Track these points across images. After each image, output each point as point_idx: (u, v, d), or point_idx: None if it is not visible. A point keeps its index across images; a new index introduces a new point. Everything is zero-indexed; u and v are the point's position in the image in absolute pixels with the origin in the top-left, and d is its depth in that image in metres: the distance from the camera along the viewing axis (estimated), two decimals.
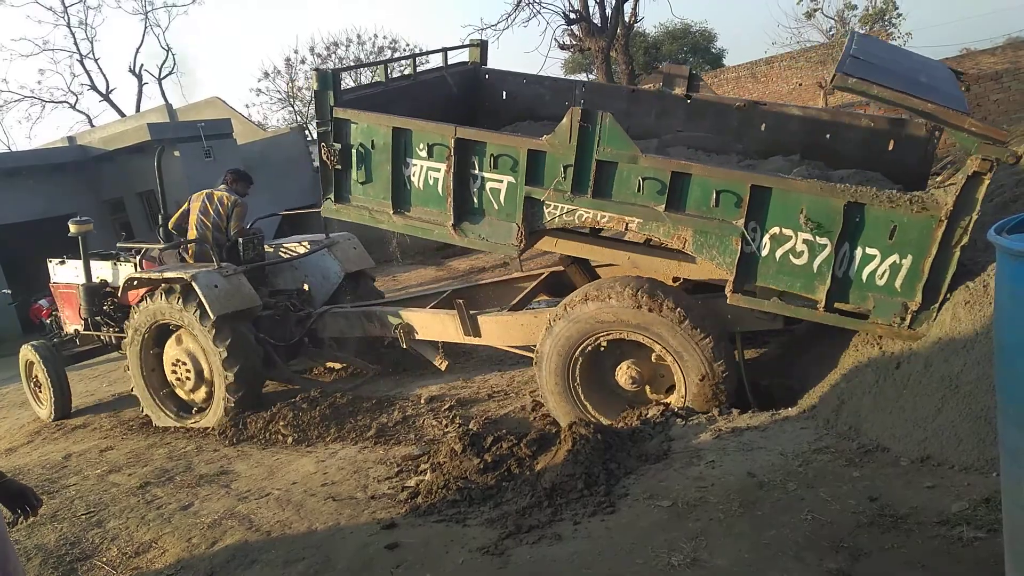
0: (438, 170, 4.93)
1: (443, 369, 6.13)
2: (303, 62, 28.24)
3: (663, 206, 4.30)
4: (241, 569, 3.74)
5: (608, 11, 19.24)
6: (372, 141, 5.13)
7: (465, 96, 6.62)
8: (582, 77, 30.74)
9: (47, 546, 4.42)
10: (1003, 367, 2.04)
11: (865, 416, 3.84)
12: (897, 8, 24.60)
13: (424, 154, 4.96)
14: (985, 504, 2.93)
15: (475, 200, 4.88)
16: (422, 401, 6.06)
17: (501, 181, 4.76)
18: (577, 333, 4.72)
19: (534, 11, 19.95)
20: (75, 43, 29.84)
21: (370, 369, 7.05)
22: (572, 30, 19.82)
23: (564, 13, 19.37)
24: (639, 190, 4.35)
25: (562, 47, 20.67)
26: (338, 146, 5.23)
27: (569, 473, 3.86)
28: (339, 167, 5.29)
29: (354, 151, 5.21)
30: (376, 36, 28.61)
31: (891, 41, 24.10)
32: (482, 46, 6.86)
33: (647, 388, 4.88)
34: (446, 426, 5.39)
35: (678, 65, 6.55)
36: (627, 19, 19.54)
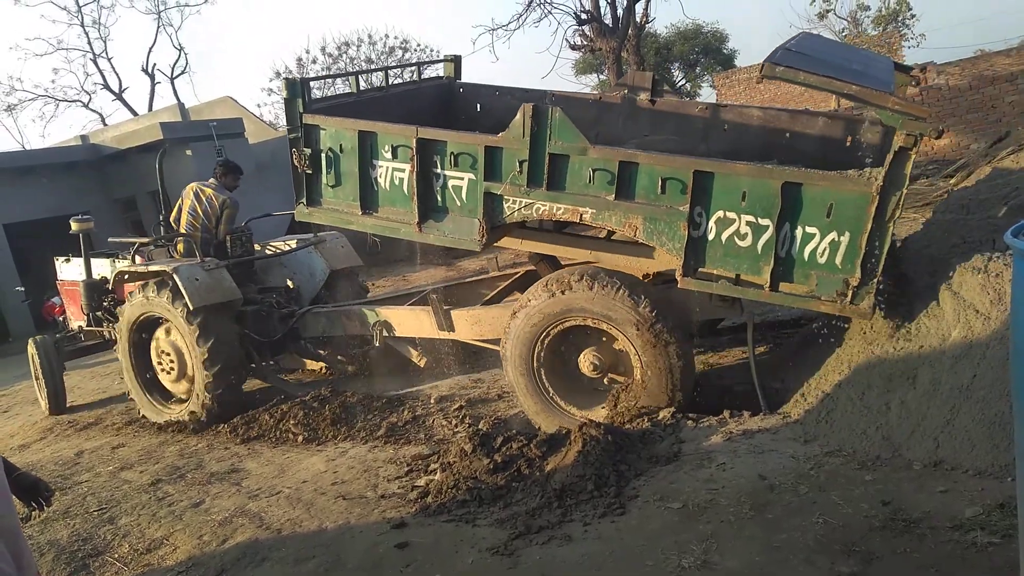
0: (403, 170, 5.11)
1: (422, 366, 6.29)
2: (314, 62, 28.32)
3: (613, 195, 4.44)
4: (251, 567, 3.76)
5: (619, 12, 19.23)
6: (340, 145, 5.33)
7: (440, 109, 6.78)
8: (593, 78, 30.74)
9: (60, 542, 4.45)
10: (1019, 370, 2.03)
11: (870, 422, 3.82)
12: (911, 9, 24.46)
13: (389, 155, 5.14)
14: (1000, 509, 2.91)
15: (439, 198, 5.05)
16: (432, 401, 6.07)
17: (462, 178, 4.92)
18: (539, 320, 4.86)
19: (545, 11, 19.97)
20: (88, 42, 30.02)
21: (340, 369, 7.18)
22: (583, 31, 19.82)
23: (575, 14, 19.39)
24: (590, 181, 4.50)
25: (573, 48, 20.67)
26: (308, 151, 5.43)
27: (579, 474, 3.86)
28: (310, 171, 5.50)
29: (323, 155, 5.42)
30: (387, 36, 28.65)
31: (904, 42, 24.00)
32: (456, 61, 7.06)
33: (609, 375, 4.97)
34: (456, 426, 5.40)
35: (642, 72, 6.70)
36: (638, 20, 19.51)
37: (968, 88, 14.35)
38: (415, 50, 28.23)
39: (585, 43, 20.24)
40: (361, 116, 5.52)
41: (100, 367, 9.83)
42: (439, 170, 4.98)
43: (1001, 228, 4.15)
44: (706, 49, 30.62)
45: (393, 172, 5.17)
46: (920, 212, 9.33)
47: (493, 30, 20.42)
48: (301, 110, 5.37)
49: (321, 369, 7.70)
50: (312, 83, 5.73)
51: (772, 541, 3.05)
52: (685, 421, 4.46)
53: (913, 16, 25.36)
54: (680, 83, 31.03)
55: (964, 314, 3.72)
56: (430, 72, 6.79)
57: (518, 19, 19.89)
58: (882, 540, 2.92)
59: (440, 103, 6.81)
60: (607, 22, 19.32)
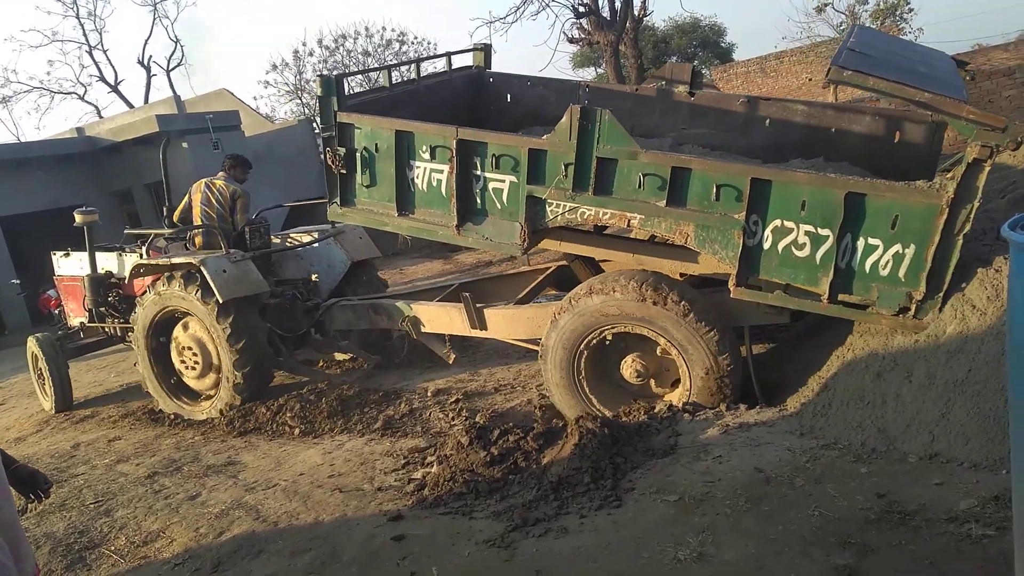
0: (441, 172, 4.99)
1: (450, 362, 6.15)
2: (311, 54, 28.23)
3: (664, 201, 4.31)
4: (248, 559, 3.76)
5: (617, 5, 19.17)
6: (376, 144, 5.21)
7: (470, 100, 6.67)
8: (591, 71, 30.68)
9: (56, 534, 4.44)
10: (1015, 364, 2.03)
11: (866, 415, 3.83)
12: (909, 3, 24.45)
13: (427, 156, 5.01)
14: (994, 501, 2.92)
15: (478, 200, 4.92)
16: (429, 394, 6.07)
17: (503, 181, 4.79)
18: (582, 326, 4.72)
19: (543, 4, 19.92)
20: (84, 34, 29.98)
21: (371, 360, 7.05)
22: (581, 24, 19.76)
23: (573, 6, 19.31)
24: (640, 186, 4.36)
25: (571, 41, 20.61)
26: (343, 150, 5.31)
27: (576, 467, 3.86)
28: (344, 171, 5.37)
29: (358, 155, 5.30)
30: (384, 29, 28.58)
31: (902, 36, 23.98)
32: (486, 49, 6.90)
33: (652, 382, 4.87)
34: (453, 419, 5.40)
35: (681, 64, 6.66)
36: (636, 13, 19.46)
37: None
38: (412, 43, 28.17)
39: (583, 36, 20.18)
40: (394, 110, 5.44)
41: (96, 360, 9.81)
42: (479, 172, 4.86)
43: (998, 222, 4.16)
44: (704, 43, 30.58)
45: (431, 173, 5.04)
46: None
47: (491, 23, 20.42)
48: (336, 108, 5.26)
49: (344, 360, 7.57)
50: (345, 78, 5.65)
51: (768, 533, 3.05)
52: (682, 414, 4.46)
53: (911, 10, 25.39)
54: None
55: (960, 309, 3.72)
56: (459, 61, 6.63)
57: (516, 12, 19.84)
58: (877, 532, 2.93)
59: (470, 94, 6.68)
60: (605, 15, 19.27)
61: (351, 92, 5.88)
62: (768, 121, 5.68)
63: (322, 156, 5.42)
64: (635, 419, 4.55)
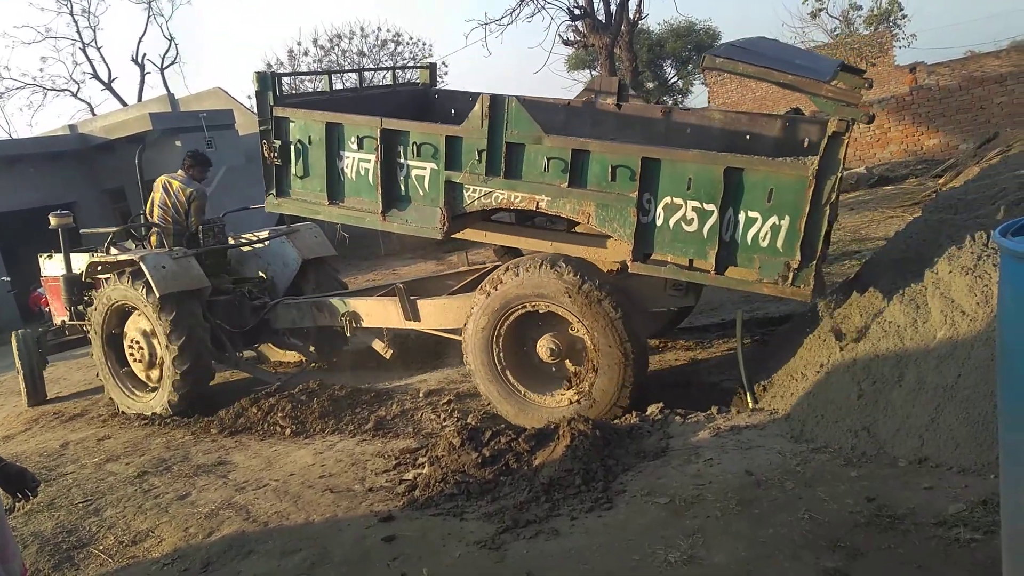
0: (368, 161, 5.29)
1: (388, 358, 6.39)
2: (306, 54, 28.12)
3: (567, 183, 4.57)
4: (238, 559, 3.74)
5: (612, 7, 19.21)
6: (308, 137, 5.51)
7: (414, 114, 6.85)
8: (585, 73, 30.69)
9: (44, 534, 4.42)
10: (1005, 369, 2.04)
11: (856, 419, 3.84)
12: (903, 9, 24.54)
13: (355, 146, 5.32)
14: (983, 506, 2.93)
15: (402, 187, 5.22)
16: (421, 395, 6.07)
17: (424, 168, 5.09)
18: (498, 306, 4.93)
19: (538, 6, 19.93)
20: (77, 31, 29.76)
21: (310, 357, 7.26)
22: (576, 26, 19.81)
23: (568, 9, 19.35)
24: (545, 169, 4.65)
25: (566, 43, 20.67)
26: (278, 143, 5.59)
27: (567, 469, 3.87)
28: (279, 163, 5.66)
29: (292, 147, 5.60)
30: (379, 29, 28.49)
31: (895, 42, 24.09)
32: (431, 68, 7.29)
33: (566, 361, 5.02)
34: (444, 420, 5.40)
35: (608, 77, 6.93)
36: (631, 16, 19.51)
37: (958, 89, 14.44)
38: (407, 43, 28.12)
39: (578, 39, 20.23)
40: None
41: (86, 358, 9.73)
42: (403, 160, 5.14)
43: (989, 228, 4.18)
44: (699, 46, 30.57)
45: (359, 163, 5.33)
46: (909, 211, 9.40)
47: (486, 24, 20.38)
48: (272, 103, 5.52)
49: (300, 360, 7.71)
50: (286, 81, 5.91)
51: (758, 536, 3.06)
52: (673, 416, 4.47)
53: (904, 16, 25.41)
54: (672, 80, 31.04)
55: (950, 314, 3.74)
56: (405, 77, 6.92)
57: (511, 14, 19.86)
58: (867, 536, 2.94)
59: (416, 108, 6.94)
60: (600, 18, 19.31)
61: (300, 91, 6.12)
62: (688, 129, 5.92)
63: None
64: (626, 422, 4.55)
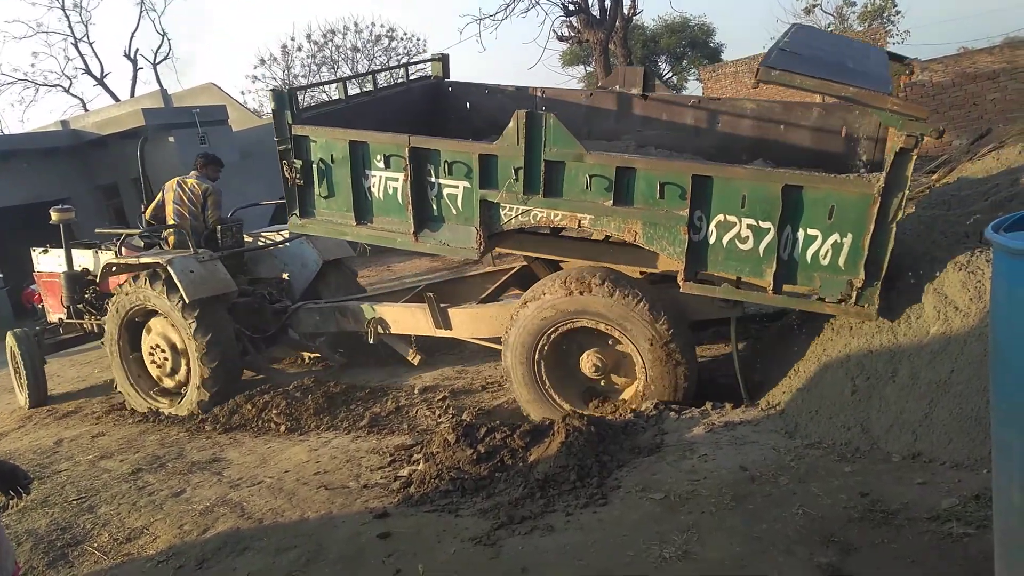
0: (396, 180, 5.04)
1: (415, 363, 6.22)
2: (299, 49, 28.15)
3: (611, 201, 4.40)
4: (233, 556, 3.74)
5: (607, 3, 19.19)
6: (331, 155, 5.26)
7: (429, 109, 6.74)
8: (580, 69, 30.70)
9: (38, 531, 4.40)
10: (997, 365, 2.05)
11: (850, 415, 3.86)
12: (896, 5, 24.61)
13: (382, 165, 5.07)
14: (975, 500, 2.95)
15: (434, 207, 4.99)
16: (416, 391, 6.06)
17: (457, 187, 4.86)
18: (541, 321, 4.80)
19: (532, 2, 19.91)
20: (69, 26, 29.67)
21: (337, 361, 7.10)
22: (571, 22, 19.79)
23: (563, 4, 19.33)
24: (587, 187, 4.45)
25: (560, 39, 20.63)
26: (299, 163, 5.36)
27: (562, 465, 3.87)
28: (301, 183, 5.41)
29: (315, 167, 5.35)
30: (373, 24, 28.48)
31: (889, 38, 24.15)
32: (444, 59, 6.98)
33: (611, 376, 4.95)
34: (439, 416, 5.40)
35: (633, 68, 6.72)
36: (626, 12, 19.50)
37: (951, 85, 14.47)
38: (401, 39, 28.12)
39: (572, 34, 20.20)
40: (351, 122, 5.45)
41: (80, 355, 9.73)
42: (433, 178, 4.91)
43: (982, 224, 4.20)
44: (693, 42, 30.65)
45: (387, 182, 5.09)
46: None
47: (480, 20, 20.36)
48: (290, 121, 5.29)
49: (307, 359, 7.61)
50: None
51: (752, 532, 3.08)
52: (668, 412, 4.48)
53: (898, 12, 25.56)
54: (667, 76, 31.05)
55: (944, 310, 3.76)
56: (419, 71, 6.78)
57: (505, 9, 19.84)
58: (860, 531, 2.95)
59: (429, 103, 6.75)
60: (595, 13, 19.29)
61: (310, 104, 5.90)
62: (719, 120, 5.79)
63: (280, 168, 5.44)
64: (621, 418, 4.56)
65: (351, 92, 6.28)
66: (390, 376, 6.67)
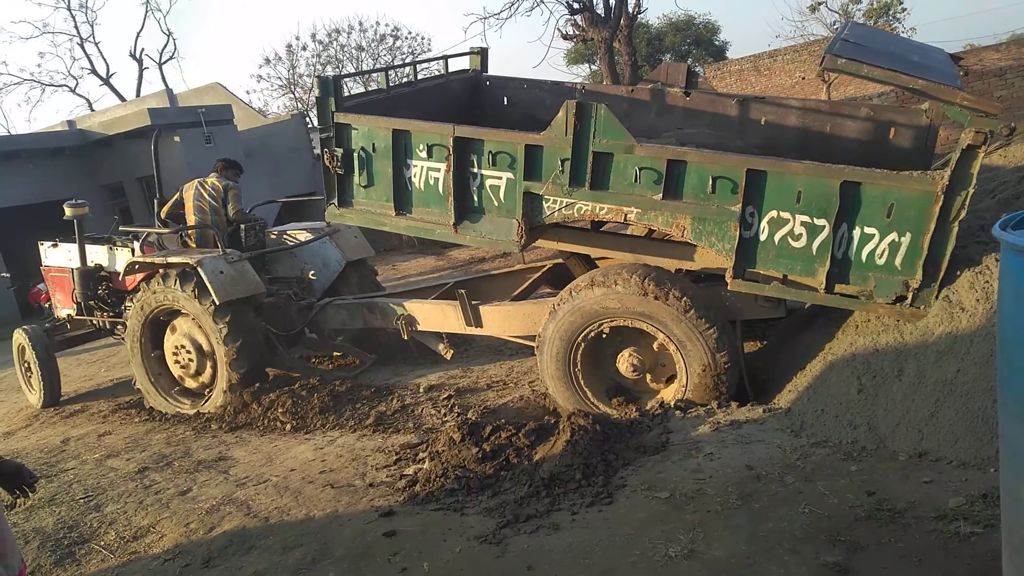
0: (438, 170, 4.98)
1: (448, 358, 6.17)
2: (304, 48, 28.19)
3: (660, 195, 4.31)
4: (239, 555, 3.75)
5: (612, 1, 19.15)
6: (373, 144, 5.20)
7: (467, 102, 6.69)
8: (584, 68, 30.67)
9: (45, 529, 4.42)
10: (1005, 362, 2.04)
11: (856, 413, 3.85)
12: (902, 3, 24.52)
13: (424, 155, 5.00)
14: (983, 500, 2.94)
15: (475, 198, 4.93)
16: (421, 390, 6.07)
17: (500, 178, 4.79)
18: (581, 319, 4.72)
19: (537, 0, 19.87)
20: (75, 26, 29.71)
21: (368, 359, 7.05)
22: (575, 20, 19.74)
23: (567, 3, 19.28)
24: (636, 180, 4.37)
25: (565, 37, 20.59)
26: (340, 151, 5.29)
27: (567, 463, 3.87)
28: (341, 171, 5.35)
29: (356, 155, 5.28)
30: (378, 24, 28.52)
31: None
32: (483, 53, 6.93)
33: (648, 376, 4.88)
34: (445, 415, 5.40)
35: (676, 64, 6.63)
36: (630, 10, 19.45)
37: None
38: (406, 38, 28.11)
39: (577, 32, 20.16)
40: (391, 113, 5.41)
41: (87, 354, 9.77)
42: (476, 169, 4.86)
43: (989, 222, 4.18)
44: (698, 40, 30.62)
45: (428, 172, 5.04)
46: None
47: (485, 19, 20.40)
48: (333, 109, 5.25)
49: (338, 358, 7.52)
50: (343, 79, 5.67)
51: (758, 530, 3.07)
52: (673, 411, 4.47)
53: (904, 10, 25.44)
54: None
55: (950, 310, 3.74)
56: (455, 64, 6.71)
57: (510, 7, 19.81)
58: (867, 530, 2.94)
59: (467, 96, 6.72)
60: (599, 11, 19.25)
61: (349, 93, 5.87)
62: (763, 120, 5.70)
63: (318, 154, 5.39)
64: (627, 416, 4.56)
65: (389, 85, 6.24)
66: (395, 375, 6.68)
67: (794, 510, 3.16)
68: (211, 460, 5.21)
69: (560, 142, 4.49)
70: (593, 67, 29.72)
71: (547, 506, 3.60)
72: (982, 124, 3.52)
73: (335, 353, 7.45)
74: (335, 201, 5.48)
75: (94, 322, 7.57)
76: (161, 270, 6.41)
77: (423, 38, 28.54)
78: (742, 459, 3.72)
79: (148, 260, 6.63)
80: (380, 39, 28.26)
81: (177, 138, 15.82)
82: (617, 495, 3.60)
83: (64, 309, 7.88)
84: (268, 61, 29.95)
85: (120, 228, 7.66)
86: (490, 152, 4.76)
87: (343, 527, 3.82)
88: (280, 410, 5.87)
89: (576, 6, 19.20)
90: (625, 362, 4.82)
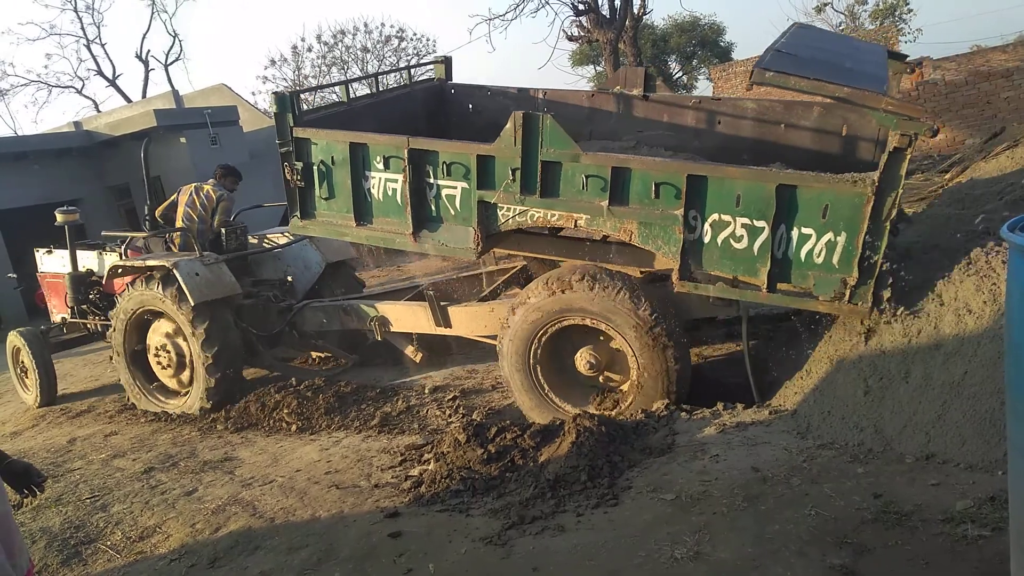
0: (396, 181, 5.11)
1: (417, 361, 6.29)
2: (310, 50, 28.16)
3: (607, 201, 4.43)
4: (245, 555, 3.76)
5: (617, 3, 19.15)
6: (332, 157, 5.34)
7: (431, 111, 6.80)
8: (590, 69, 30.66)
9: (52, 529, 4.43)
10: (1013, 364, 2.03)
11: (863, 416, 3.83)
12: (908, 3, 24.45)
13: (381, 166, 5.14)
14: (990, 502, 2.92)
15: (432, 208, 5.06)
16: (426, 391, 6.08)
17: (455, 187, 4.92)
18: (537, 319, 4.85)
19: (542, 1, 19.89)
20: (82, 28, 29.81)
21: (348, 359, 7.19)
22: (580, 21, 19.75)
23: (573, 4, 19.30)
24: (584, 187, 4.50)
25: (570, 38, 20.59)
26: (300, 165, 5.43)
27: (573, 465, 3.87)
28: (302, 184, 5.49)
29: (315, 168, 5.43)
30: (383, 25, 28.55)
31: (900, 37, 23.99)
32: (446, 62, 7.07)
33: (605, 373, 5.00)
34: (450, 416, 5.40)
35: (635, 68, 6.74)
36: (636, 11, 19.45)
37: (964, 83, 14.36)
38: (411, 39, 28.12)
39: (582, 34, 20.16)
40: (354, 125, 5.52)
41: (93, 355, 9.79)
42: (432, 180, 4.98)
43: (996, 224, 4.16)
44: (703, 41, 30.55)
45: (386, 183, 5.17)
46: (915, 206, 9.35)
47: (490, 20, 20.36)
48: (291, 124, 5.37)
49: (316, 359, 7.68)
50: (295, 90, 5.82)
51: (764, 532, 3.06)
52: (679, 413, 4.47)
53: (910, 11, 25.40)
54: (677, 75, 30.97)
55: (957, 311, 3.73)
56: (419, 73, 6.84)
57: (515, 9, 19.82)
58: (874, 532, 2.93)
59: (432, 105, 6.85)
60: (604, 13, 19.25)
61: (316, 107, 5.97)
62: (719, 120, 5.81)
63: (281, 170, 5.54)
64: (632, 418, 4.55)
65: (357, 94, 6.35)
66: (400, 376, 6.69)
67: (800, 512, 3.16)
68: (217, 461, 5.22)
69: (510, 152, 4.61)
70: (598, 68, 29.71)
71: (552, 507, 3.60)
72: (907, 127, 3.65)
73: (318, 354, 7.61)
74: (298, 213, 5.62)
75: (87, 326, 7.68)
76: (141, 274, 6.58)
77: (428, 39, 28.52)
78: (748, 461, 3.71)
79: (128, 263, 6.80)
80: (385, 40, 28.29)
81: (183, 139, 15.86)
82: (623, 497, 3.59)
83: (59, 313, 8.08)
84: (274, 63, 29.90)
85: (103, 233, 7.85)
86: (444, 163, 4.88)
87: (348, 528, 3.82)
88: (286, 411, 5.88)
89: (581, 7, 19.20)
90: (582, 360, 4.94)
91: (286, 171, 5.48)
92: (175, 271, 6.16)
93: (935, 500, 3.06)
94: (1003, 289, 3.46)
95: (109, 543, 4.19)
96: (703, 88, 31.15)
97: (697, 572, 2.90)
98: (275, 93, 5.49)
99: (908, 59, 4.86)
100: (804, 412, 4.14)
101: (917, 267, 4.29)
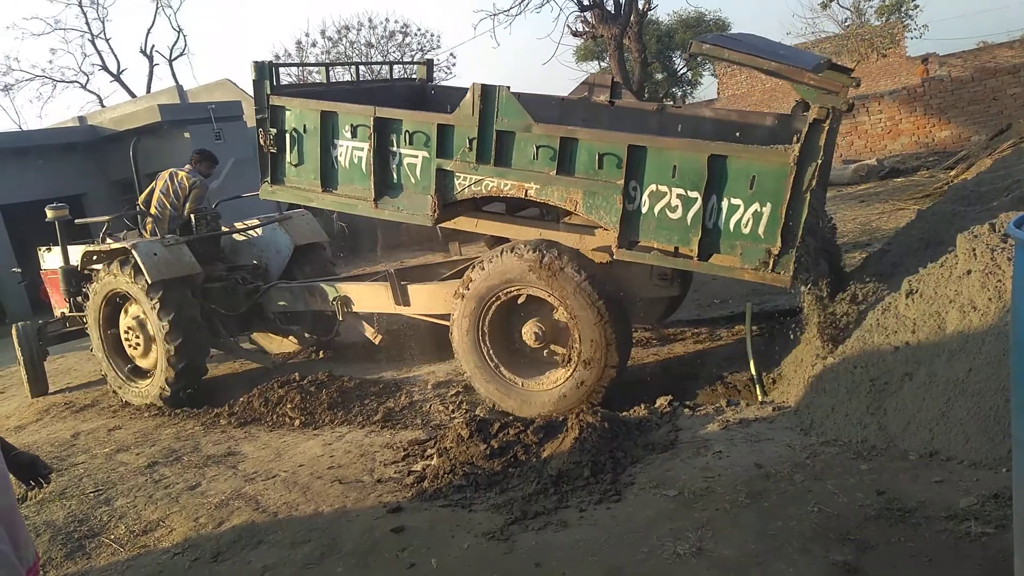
0: (362, 149, 5.37)
1: (376, 343, 6.47)
2: (314, 45, 28.12)
3: (555, 171, 4.63)
4: (248, 549, 3.77)
5: None
6: (304, 125, 5.60)
7: (410, 108, 6.85)
8: (594, 64, 30.60)
9: (56, 523, 4.45)
10: (1018, 362, 2.02)
11: (866, 412, 3.83)
12: None
13: (349, 135, 5.41)
14: (994, 500, 2.92)
15: (395, 175, 5.32)
16: (429, 386, 6.08)
17: (416, 156, 5.16)
18: (484, 290, 4.99)
19: None
20: (86, 23, 29.82)
21: (307, 342, 7.47)
22: (585, 17, 19.67)
23: (577, 0, 19.22)
24: (535, 157, 4.72)
25: (574, 34, 20.53)
26: (274, 131, 5.69)
27: (575, 461, 3.87)
28: (274, 151, 5.76)
29: (288, 135, 5.69)
30: (387, 20, 28.47)
31: (907, 33, 23.90)
32: (428, 64, 7.43)
33: (551, 346, 5.09)
34: (453, 411, 5.41)
35: (603, 75, 7.01)
36: (640, 7, 19.38)
37: (970, 80, 14.31)
38: (415, 35, 28.07)
39: (587, 29, 20.10)
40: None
41: None
42: (395, 148, 5.23)
43: (1002, 221, 4.14)
44: None
45: (353, 151, 5.42)
46: (920, 204, 9.33)
47: (494, 15, 20.30)
48: (268, 92, 5.61)
49: (293, 350, 7.84)
50: (294, 73, 6.13)
51: (767, 529, 3.06)
52: (682, 409, 4.47)
53: (916, 7, 25.24)
54: (682, 71, 30.89)
55: (962, 308, 3.71)
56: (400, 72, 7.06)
57: (519, 4, 19.76)
58: (877, 529, 2.93)
59: (411, 104, 6.99)
60: (609, 8, 19.18)
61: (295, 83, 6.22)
62: (679, 126, 5.94)
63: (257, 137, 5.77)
64: (635, 414, 4.55)
65: (330, 81, 6.54)
66: (404, 371, 6.69)
67: (803, 509, 3.15)
68: (220, 455, 5.24)
69: (468, 122, 4.83)
70: (603, 64, 29.64)
71: (555, 503, 3.60)
72: (826, 100, 3.85)
73: (291, 346, 7.83)
74: (268, 179, 5.87)
75: (83, 319, 7.79)
76: (109, 258, 6.78)
77: (432, 35, 28.47)
78: (751, 457, 3.71)
79: (96, 248, 7.02)
80: (389, 36, 28.25)
81: (187, 134, 15.86)
82: (625, 493, 3.60)
83: (60, 308, 8.30)
84: (278, 58, 29.94)
85: (75, 220, 8.10)
86: (407, 131, 5.12)
87: (351, 523, 3.83)
88: (289, 406, 5.89)
89: (586, 3, 19.14)
90: (529, 332, 5.04)
91: (260, 136, 5.73)
92: (133, 251, 6.37)
93: (939, 497, 3.06)
94: (1008, 286, 3.45)
95: (113, 537, 4.21)
96: (708, 84, 31.09)
97: (700, 568, 2.90)
98: (255, 62, 5.71)
99: (852, 72, 4.90)
100: (807, 408, 4.13)
101: (922, 263, 4.28)
